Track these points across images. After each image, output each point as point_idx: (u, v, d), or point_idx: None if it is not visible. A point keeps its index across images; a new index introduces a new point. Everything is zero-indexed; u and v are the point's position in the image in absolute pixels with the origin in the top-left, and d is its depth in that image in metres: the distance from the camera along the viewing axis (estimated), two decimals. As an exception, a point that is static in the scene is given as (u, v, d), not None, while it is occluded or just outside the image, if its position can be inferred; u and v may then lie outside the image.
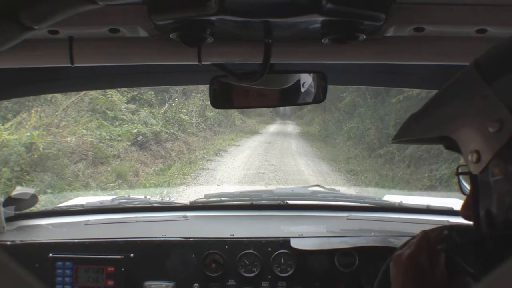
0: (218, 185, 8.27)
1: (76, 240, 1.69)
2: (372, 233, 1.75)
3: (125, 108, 11.05)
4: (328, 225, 1.86)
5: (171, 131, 12.01)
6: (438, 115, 0.74)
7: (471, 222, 0.74)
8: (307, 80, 1.38)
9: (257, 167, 10.04)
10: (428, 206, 2.07)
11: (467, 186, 0.78)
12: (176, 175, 9.19)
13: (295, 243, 1.66)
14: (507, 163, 0.63)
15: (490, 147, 0.62)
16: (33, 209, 2.02)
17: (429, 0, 0.97)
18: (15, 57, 1.10)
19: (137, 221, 1.92)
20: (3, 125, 7.89)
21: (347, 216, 1.97)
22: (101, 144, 9.17)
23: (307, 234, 1.73)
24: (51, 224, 1.94)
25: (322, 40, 1.02)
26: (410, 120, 0.81)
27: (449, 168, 8.49)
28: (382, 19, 0.94)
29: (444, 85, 0.73)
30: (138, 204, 2.19)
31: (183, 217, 1.97)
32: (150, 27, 1.01)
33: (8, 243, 1.68)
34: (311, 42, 1.08)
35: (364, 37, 1.00)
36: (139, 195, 4.93)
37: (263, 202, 2.17)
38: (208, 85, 1.37)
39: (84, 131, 9.06)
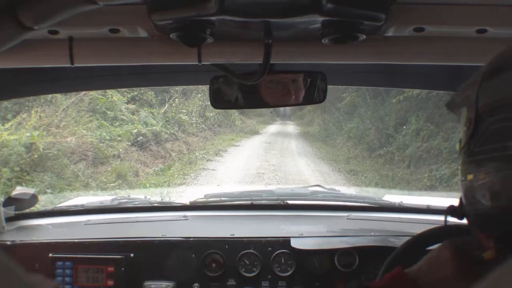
0: (218, 185, 8.27)
1: (76, 240, 1.69)
2: (372, 233, 1.75)
3: (125, 108, 11.05)
4: (328, 225, 1.86)
5: (171, 131, 12.01)
6: (458, 99, 0.80)
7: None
8: (307, 80, 1.38)
9: (257, 167, 10.04)
10: (428, 206, 2.07)
11: None
12: (176, 175, 9.19)
13: (295, 243, 1.66)
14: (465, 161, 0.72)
15: (463, 141, 0.72)
16: (33, 209, 2.02)
17: (429, 0, 0.97)
18: (15, 57, 1.10)
19: (137, 221, 1.92)
20: (3, 125, 7.88)
21: (347, 216, 1.97)
22: (101, 144, 9.17)
23: (307, 234, 1.73)
24: (51, 224, 1.94)
25: (322, 40, 1.02)
26: (453, 95, 0.87)
27: (449, 168, 8.48)
28: (382, 19, 0.94)
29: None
30: (138, 204, 2.19)
31: (183, 217, 1.97)
32: (150, 27, 1.01)
33: (8, 243, 1.68)
34: (311, 42, 1.08)
35: (364, 37, 1.00)
36: (139, 195, 4.93)
37: (263, 202, 2.17)
38: (208, 85, 1.37)
39: (84, 131, 9.06)
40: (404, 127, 11.19)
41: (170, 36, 1.00)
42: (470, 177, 0.69)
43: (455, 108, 0.82)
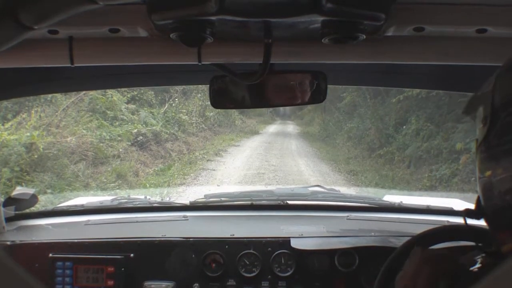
0: (218, 185, 8.27)
1: (76, 240, 1.69)
2: (372, 233, 1.75)
3: (125, 108, 11.05)
4: (328, 225, 1.86)
5: (171, 131, 12.01)
6: (475, 101, 0.80)
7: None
8: (307, 80, 1.38)
9: (257, 167, 10.04)
10: (428, 206, 2.07)
11: None
12: (176, 175, 9.19)
13: (295, 243, 1.66)
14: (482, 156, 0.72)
15: (479, 138, 0.72)
16: (33, 209, 2.02)
17: (429, 0, 0.97)
18: (15, 57, 1.10)
19: (137, 221, 1.92)
20: (3, 125, 7.89)
21: (347, 216, 1.97)
22: (101, 144, 9.17)
23: (307, 234, 1.73)
24: (51, 224, 1.94)
25: (322, 40, 1.02)
26: (470, 99, 0.85)
27: (449, 168, 8.48)
28: (382, 19, 0.94)
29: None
30: (138, 204, 2.19)
31: (183, 217, 1.97)
32: (150, 27, 1.01)
33: (8, 243, 1.68)
34: (311, 42, 1.08)
35: (364, 37, 1.00)
36: (139, 195, 4.93)
37: (263, 202, 2.17)
38: (208, 85, 1.37)
39: (84, 131, 9.06)
40: (404, 127, 11.18)
41: (170, 36, 1.00)
42: (488, 173, 0.68)
43: (472, 111, 0.81)
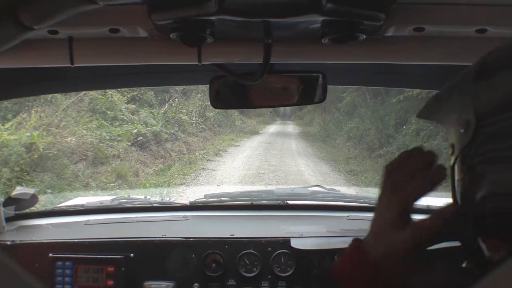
0: (218, 185, 8.28)
1: (76, 240, 1.69)
2: None
3: (125, 108, 11.06)
4: (328, 225, 1.86)
5: (171, 131, 12.02)
6: (442, 103, 0.77)
7: None
8: (307, 80, 1.38)
9: (257, 167, 10.05)
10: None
11: None
12: (176, 175, 9.19)
13: (295, 243, 1.66)
14: (466, 163, 0.68)
15: (459, 144, 0.68)
16: (33, 209, 2.02)
17: (429, 0, 0.97)
18: (15, 57, 1.10)
19: (137, 221, 1.92)
20: (3, 125, 7.89)
21: (347, 216, 1.97)
22: (101, 144, 9.18)
23: (307, 234, 1.73)
24: (51, 224, 1.94)
25: (322, 40, 1.02)
26: (430, 101, 0.81)
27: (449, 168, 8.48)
28: (382, 19, 0.94)
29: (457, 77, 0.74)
30: (138, 204, 2.19)
31: (183, 217, 1.97)
32: (150, 27, 1.01)
33: (8, 243, 1.68)
34: (311, 42, 1.08)
35: (364, 37, 1.00)
36: (139, 195, 4.93)
37: (263, 202, 2.17)
38: (208, 85, 1.37)
39: (84, 131, 9.07)
40: (404, 127, 11.19)
41: (170, 36, 1.00)
42: (471, 178, 0.67)
43: (432, 114, 0.79)
